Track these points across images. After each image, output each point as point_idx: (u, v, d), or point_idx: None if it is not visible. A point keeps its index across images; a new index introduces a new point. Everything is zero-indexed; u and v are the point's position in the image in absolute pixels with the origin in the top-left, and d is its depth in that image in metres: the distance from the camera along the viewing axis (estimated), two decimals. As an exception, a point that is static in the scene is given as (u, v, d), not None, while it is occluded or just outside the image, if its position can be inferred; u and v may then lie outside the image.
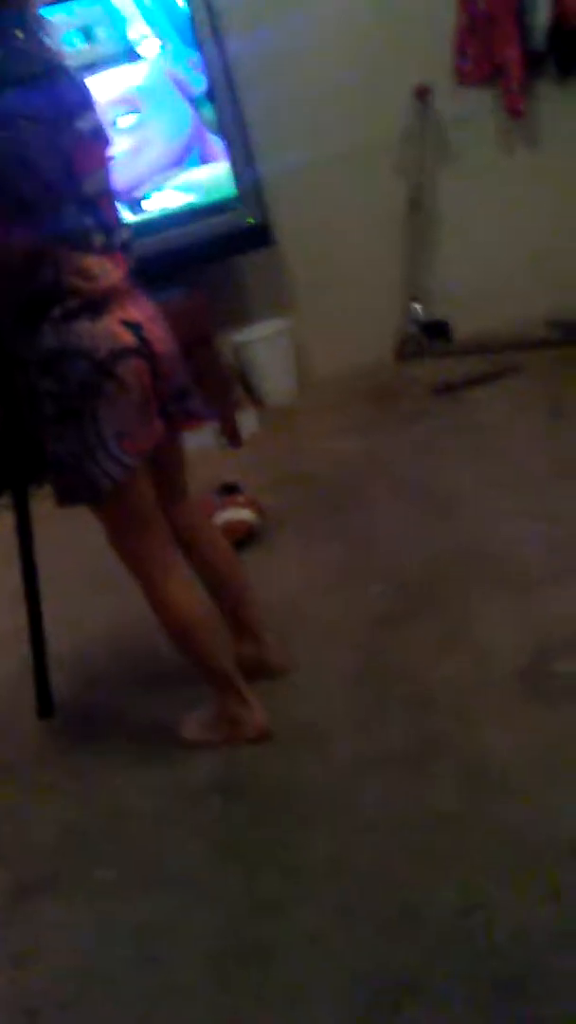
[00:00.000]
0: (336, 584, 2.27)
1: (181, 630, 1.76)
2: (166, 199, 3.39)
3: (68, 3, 3.19)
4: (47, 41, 1.55)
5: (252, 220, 3.37)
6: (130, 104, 3.30)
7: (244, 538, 2.57)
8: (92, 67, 3.24)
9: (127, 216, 3.37)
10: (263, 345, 3.64)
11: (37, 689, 2.06)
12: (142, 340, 1.61)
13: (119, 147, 3.30)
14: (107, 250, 1.60)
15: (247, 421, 3.48)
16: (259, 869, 1.52)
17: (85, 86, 1.63)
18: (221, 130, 3.32)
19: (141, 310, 1.65)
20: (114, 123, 3.29)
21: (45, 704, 2.07)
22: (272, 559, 2.48)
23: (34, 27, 1.53)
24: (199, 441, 3.44)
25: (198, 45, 3.24)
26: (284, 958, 1.36)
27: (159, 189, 3.38)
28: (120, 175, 3.32)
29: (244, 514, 2.61)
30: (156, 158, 3.36)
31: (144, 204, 3.39)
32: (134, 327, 1.61)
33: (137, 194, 3.38)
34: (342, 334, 3.66)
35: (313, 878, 1.48)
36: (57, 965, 1.45)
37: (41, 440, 1.67)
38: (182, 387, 1.76)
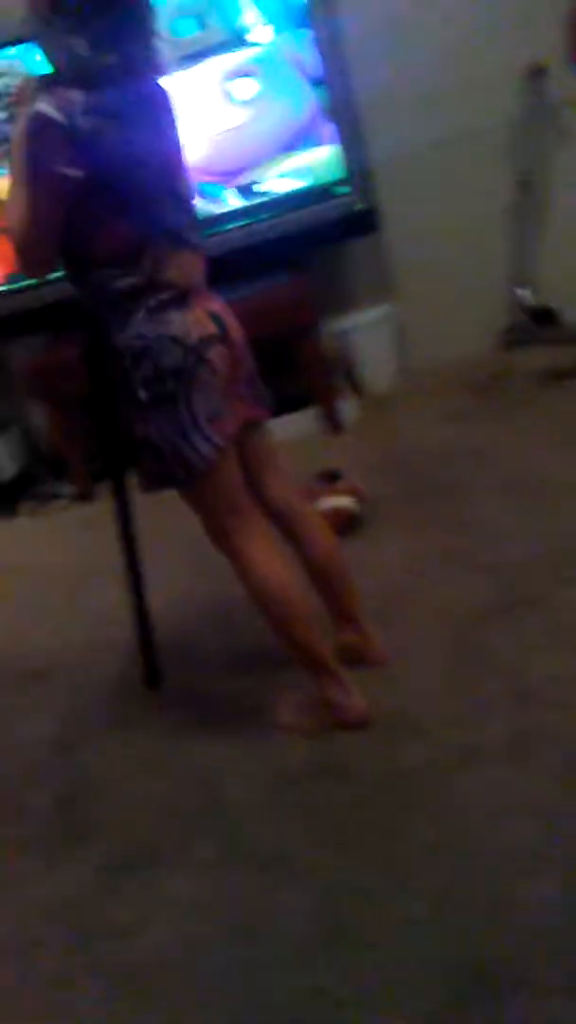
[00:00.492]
0: (437, 574, 2.26)
1: (276, 609, 1.78)
2: (275, 183, 3.40)
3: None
4: (128, 48, 1.58)
5: (360, 206, 3.35)
6: (248, 76, 3.30)
7: (345, 526, 2.57)
8: (203, 54, 3.27)
9: (236, 201, 3.41)
10: (365, 332, 3.62)
11: (144, 659, 2.13)
12: (223, 329, 1.72)
13: (233, 120, 3.33)
14: (195, 247, 1.72)
15: (348, 408, 3.48)
16: (356, 854, 1.53)
17: (167, 94, 1.70)
18: (332, 113, 3.30)
19: (217, 303, 1.75)
20: (230, 96, 3.31)
21: (152, 675, 2.14)
22: (373, 547, 2.47)
23: (104, 34, 1.56)
24: (300, 428, 3.46)
25: (311, 25, 3.23)
26: (379, 942, 1.37)
27: (268, 172, 3.39)
28: (231, 152, 3.37)
29: (345, 502, 2.61)
30: (269, 138, 3.37)
31: (256, 187, 3.41)
32: (216, 317, 1.71)
33: (247, 177, 3.40)
34: (446, 321, 3.61)
35: (410, 865, 1.49)
36: (159, 938, 1.49)
37: (131, 427, 1.75)
38: (252, 372, 1.84)
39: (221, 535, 1.78)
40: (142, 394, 1.68)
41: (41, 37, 1.61)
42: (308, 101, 3.32)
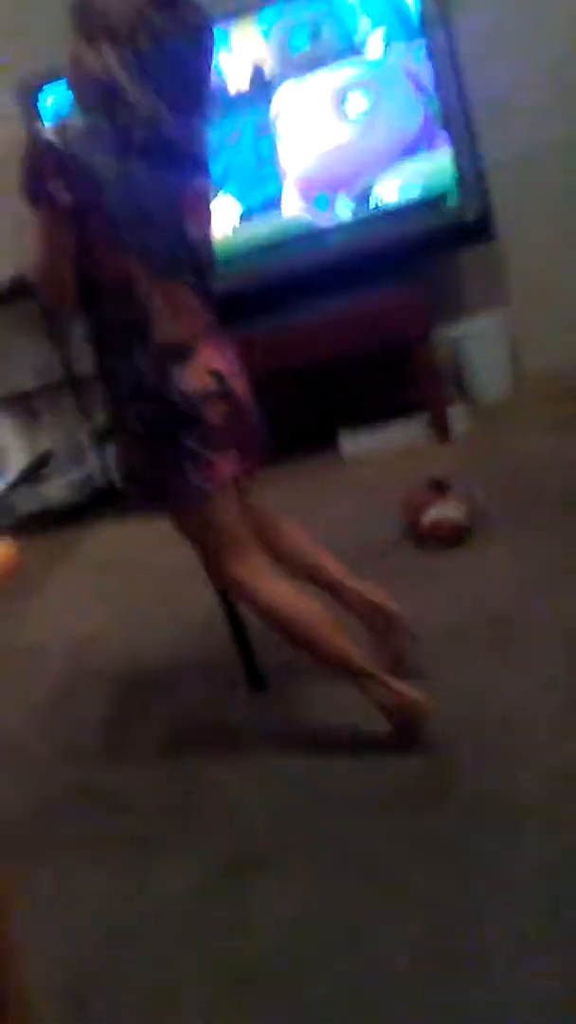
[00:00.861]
0: (554, 590, 2.20)
1: (295, 627, 1.78)
2: (388, 192, 3.39)
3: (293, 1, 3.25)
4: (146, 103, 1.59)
5: (473, 214, 3.32)
6: (361, 87, 3.31)
7: (451, 537, 2.55)
8: (316, 65, 3.30)
9: (349, 211, 3.41)
10: (477, 340, 3.58)
11: (245, 663, 2.15)
12: (223, 385, 1.74)
13: (346, 131, 3.34)
14: (198, 289, 1.74)
15: (458, 417, 3.44)
16: (466, 873, 1.50)
17: (191, 140, 1.70)
18: (445, 121, 3.28)
19: (222, 353, 1.78)
20: (343, 111, 3.33)
21: (256, 678, 2.16)
22: (482, 560, 2.44)
23: (129, 100, 1.57)
24: (409, 436, 3.45)
25: (425, 34, 3.22)
26: (491, 966, 1.33)
27: (381, 182, 3.39)
28: (343, 163, 3.38)
29: (453, 512, 2.58)
30: (382, 148, 3.37)
31: (369, 198, 3.41)
32: (216, 374, 1.73)
33: (360, 187, 3.40)
34: (560, 329, 3.54)
35: (524, 887, 1.45)
36: (265, 942, 1.49)
37: (122, 449, 1.81)
38: (254, 426, 1.87)
39: (223, 566, 1.81)
40: (137, 427, 1.72)
41: (79, 66, 1.61)
42: (420, 110, 3.31)
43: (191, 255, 1.74)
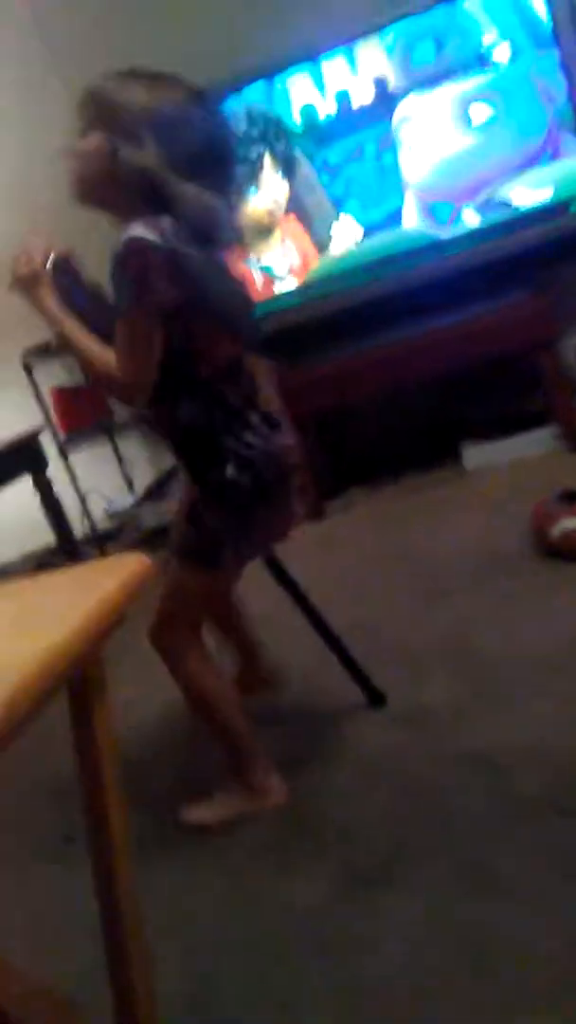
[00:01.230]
0: None
1: (204, 700, 1.90)
2: (515, 199, 3.34)
3: (419, 14, 3.25)
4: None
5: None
6: (485, 99, 3.28)
7: (581, 549, 2.47)
8: (441, 78, 3.28)
9: (476, 219, 3.37)
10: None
11: (357, 682, 2.13)
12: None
13: (471, 141, 3.31)
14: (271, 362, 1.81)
15: (588, 427, 3.34)
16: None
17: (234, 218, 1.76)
18: (574, 128, 3.21)
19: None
20: (467, 120, 3.30)
21: (374, 695, 2.13)
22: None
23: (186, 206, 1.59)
24: (538, 445, 3.36)
25: (557, 43, 3.16)
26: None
27: (508, 188, 3.34)
28: (468, 172, 3.35)
29: (583, 524, 2.50)
30: (507, 157, 3.32)
31: (493, 207, 3.37)
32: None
33: (486, 194, 3.36)
34: None
35: None
36: (392, 958, 1.46)
37: (198, 507, 1.79)
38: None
39: (168, 628, 1.86)
40: (230, 494, 1.73)
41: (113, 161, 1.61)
42: (547, 118, 3.25)
43: (259, 330, 1.83)
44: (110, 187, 1.63)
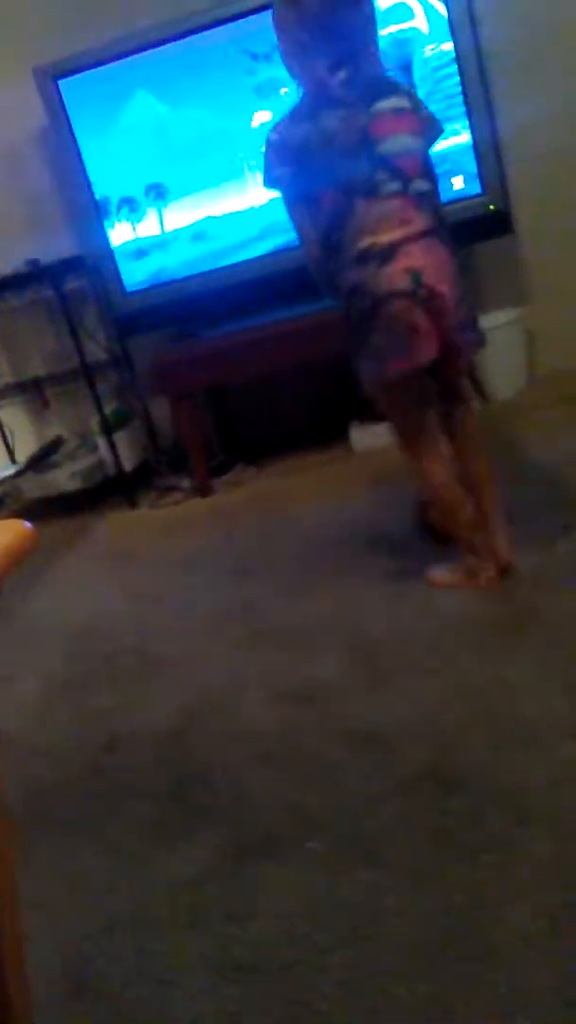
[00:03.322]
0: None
1: (432, 495, 2.30)
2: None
3: None
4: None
5: (493, 207, 3.29)
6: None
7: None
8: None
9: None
10: (493, 336, 3.53)
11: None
12: (420, 284, 2.00)
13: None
14: (400, 196, 2.02)
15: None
16: (474, 864, 1.48)
17: (391, 82, 2.13)
18: (468, 116, 3.25)
19: (429, 257, 2.03)
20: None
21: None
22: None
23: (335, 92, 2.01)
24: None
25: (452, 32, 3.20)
26: (496, 957, 1.31)
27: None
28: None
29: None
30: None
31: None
32: (415, 274, 1.99)
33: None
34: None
35: (531, 880, 1.42)
36: (266, 929, 1.47)
37: (349, 339, 2.14)
38: (461, 322, 2.10)
39: (399, 433, 2.23)
40: (351, 321, 2.10)
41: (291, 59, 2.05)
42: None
43: (393, 171, 2.01)
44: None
